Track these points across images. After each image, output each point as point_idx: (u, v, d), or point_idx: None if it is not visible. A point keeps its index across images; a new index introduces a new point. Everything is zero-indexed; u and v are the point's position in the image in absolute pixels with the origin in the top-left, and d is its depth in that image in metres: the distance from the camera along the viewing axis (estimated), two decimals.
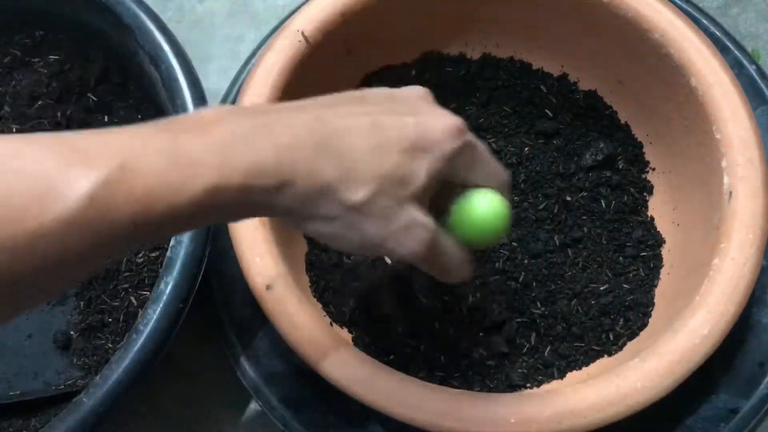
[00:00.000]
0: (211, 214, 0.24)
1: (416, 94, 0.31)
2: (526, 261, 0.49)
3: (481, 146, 0.30)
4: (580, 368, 0.45)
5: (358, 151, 0.26)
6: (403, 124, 0.27)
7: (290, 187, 0.25)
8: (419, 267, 0.30)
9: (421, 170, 0.27)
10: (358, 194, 0.26)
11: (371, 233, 0.27)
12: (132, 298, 0.50)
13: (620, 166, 0.51)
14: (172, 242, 0.43)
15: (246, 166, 0.24)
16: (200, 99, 0.46)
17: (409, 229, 0.27)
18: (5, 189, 0.20)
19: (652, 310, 0.46)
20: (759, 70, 0.51)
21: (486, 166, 0.31)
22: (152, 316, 0.42)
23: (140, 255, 0.51)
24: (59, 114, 0.55)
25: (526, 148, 0.52)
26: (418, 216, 0.27)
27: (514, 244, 0.49)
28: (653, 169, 0.51)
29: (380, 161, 0.26)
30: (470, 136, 0.29)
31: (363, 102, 0.28)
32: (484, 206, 0.30)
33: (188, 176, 0.22)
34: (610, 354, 0.45)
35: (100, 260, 0.23)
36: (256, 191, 0.24)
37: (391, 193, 0.26)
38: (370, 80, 0.53)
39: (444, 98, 0.51)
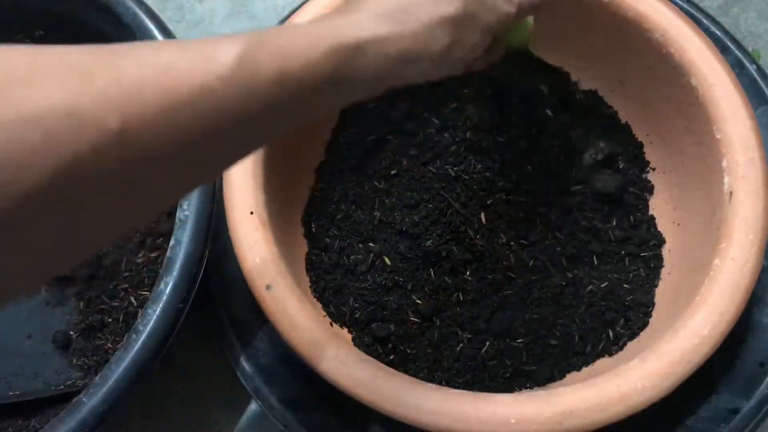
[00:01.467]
0: (344, 73, 0.27)
1: None
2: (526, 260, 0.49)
3: None
4: (580, 368, 0.45)
5: None
6: None
7: (404, 29, 0.30)
8: (541, 10, 0.37)
9: None
10: (452, 5, 0.31)
11: (492, 11, 0.33)
12: (132, 298, 0.50)
13: (620, 166, 0.51)
14: (171, 242, 0.43)
15: (366, 23, 0.29)
16: None
17: None
18: (168, 61, 0.22)
19: (652, 310, 0.46)
20: (759, 69, 0.51)
21: None
22: (152, 316, 0.42)
23: (140, 255, 0.51)
24: None
25: None
26: None
27: (511, 243, 0.49)
28: (653, 169, 0.51)
29: None
30: None
31: None
32: None
33: (319, 36, 0.27)
34: (610, 354, 0.45)
35: (251, 130, 0.25)
36: (381, 40, 0.29)
37: None
38: None
39: (443, 98, 0.51)
